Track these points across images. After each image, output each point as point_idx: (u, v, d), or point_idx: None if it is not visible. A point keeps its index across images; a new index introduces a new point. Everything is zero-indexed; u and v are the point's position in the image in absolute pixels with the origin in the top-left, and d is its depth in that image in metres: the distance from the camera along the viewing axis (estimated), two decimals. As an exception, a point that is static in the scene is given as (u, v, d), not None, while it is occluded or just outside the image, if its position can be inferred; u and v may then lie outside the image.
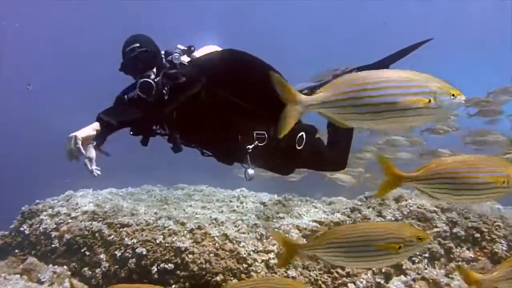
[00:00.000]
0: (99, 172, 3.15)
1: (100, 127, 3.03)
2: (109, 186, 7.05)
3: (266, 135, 3.61)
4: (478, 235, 4.87)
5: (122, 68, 3.42)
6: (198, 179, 8.26)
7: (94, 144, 3.39)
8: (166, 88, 3.28)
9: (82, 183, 6.57)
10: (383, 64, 4.16)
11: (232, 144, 3.56)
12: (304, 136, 3.80)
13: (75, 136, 2.88)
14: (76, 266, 4.94)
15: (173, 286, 4.63)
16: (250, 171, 3.63)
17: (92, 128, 3.00)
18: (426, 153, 7.30)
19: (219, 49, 3.73)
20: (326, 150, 4.11)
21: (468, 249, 4.83)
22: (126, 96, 3.37)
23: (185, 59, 3.49)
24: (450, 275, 4.53)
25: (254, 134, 3.58)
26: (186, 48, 3.54)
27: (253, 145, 3.57)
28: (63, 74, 25.60)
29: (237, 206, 6.42)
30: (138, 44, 3.37)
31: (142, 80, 3.27)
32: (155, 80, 3.29)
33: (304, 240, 5.10)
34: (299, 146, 3.79)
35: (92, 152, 3.27)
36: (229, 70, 3.48)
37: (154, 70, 3.37)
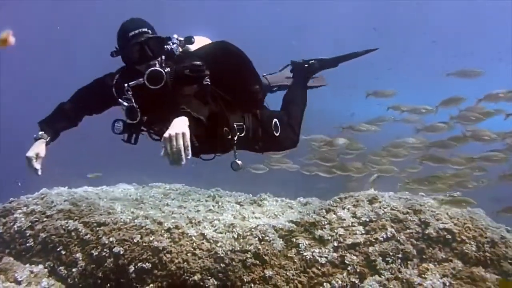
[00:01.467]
0: (40, 173, 3.13)
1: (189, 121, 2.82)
2: (84, 184, 7.00)
3: (243, 126, 3.67)
4: (449, 236, 5.00)
5: (124, 53, 3.29)
6: (171, 177, 8.24)
7: (48, 140, 3.37)
8: (207, 79, 3.23)
9: (56, 181, 6.52)
10: (337, 60, 4.81)
11: (219, 137, 3.58)
12: (278, 123, 3.92)
13: (184, 134, 2.66)
14: (51, 265, 4.89)
15: (151, 285, 4.64)
16: (239, 162, 3.68)
17: (186, 124, 2.77)
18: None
19: (209, 40, 3.76)
20: (291, 131, 4.26)
21: (439, 250, 4.96)
22: (126, 85, 3.25)
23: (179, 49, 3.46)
24: (423, 275, 4.65)
25: (235, 125, 3.63)
26: (183, 39, 3.49)
27: (236, 136, 3.62)
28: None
29: (213, 206, 6.45)
30: (146, 29, 3.26)
31: (152, 69, 3.18)
32: (165, 70, 3.22)
33: (281, 240, 5.17)
34: (276, 133, 3.91)
35: (43, 150, 3.24)
36: (223, 64, 3.49)
37: (159, 59, 3.27)
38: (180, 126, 2.72)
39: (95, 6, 21.55)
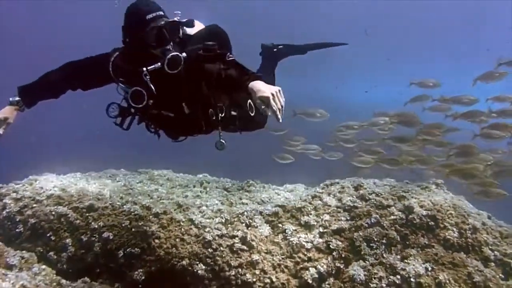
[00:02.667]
0: (1, 132, 3.15)
1: None
2: (72, 170, 7.01)
3: (223, 106, 3.74)
4: (432, 222, 5.11)
5: (138, 36, 3.25)
6: (158, 163, 8.28)
7: (24, 107, 3.38)
8: (230, 56, 3.29)
9: (45, 166, 6.53)
10: (307, 48, 5.17)
11: (205, 117, 3.68)
12: (252, 103, 4.03)
13: (281, 90, 2.81)
14: (41, 250, 4.92)
15: (140, 270, 4.70)
16: (222, 141, 3.76)
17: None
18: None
19: (202, 25, 3.81)
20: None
21: (422, 235, 5.07)
22: (145, 69, 3.26)
23: None
24: (406, 260, 4.75)
25: (217, 106, 3.72)
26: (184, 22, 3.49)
27: (220, 116, 3.70)
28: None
29: (200, 192, 6.52)
30: (162, 13, 3.28)
31: (173, 54, 3.21)
32: (183, 55, 3.26)
33: (268, 226, 5.26)
34: (252, 113, 4.00)
35: (13, 116, 3.28)
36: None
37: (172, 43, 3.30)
38: (269, 85, 2.86)
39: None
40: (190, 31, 3.65)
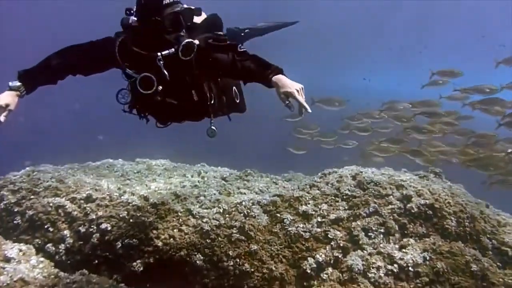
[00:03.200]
0: (2, 120, 3.06)
1: None
2: (70, 161, 6.99)
3: (212, 94, 3.75)
4: (430, 211, 5.11)
5: (153, 20, 3.20)
6: (155, 153, 8.27)
7: (24, 93, 3.24)
8: (242, 47, 3.39)
9: (42, 158, 6.51)
10: (265, 29, 5.48)
11: (199, 104, 3.68)
12: (236, 90, 4.06)
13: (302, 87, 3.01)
14: (39, 242, 4.91)
15: (138, 261, 4.70)
16: (213, 128, 3.79)
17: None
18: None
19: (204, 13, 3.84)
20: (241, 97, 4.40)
21: (420, 225, 5.07)
22: (160, 54, 3.26)
23: None
24: (404, 250, 4.76)
25: (208, 94, 3.71)
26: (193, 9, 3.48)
27: (211, 103, 3.73)
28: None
29: (198, 181, 6.50)
30: None
31: (189, 40, 3.23)
32: (197, 42, 3.29)
33: (266, 216, 5.24)
34: (237, 100, 4.10)
35: (14, 103, 3.15)
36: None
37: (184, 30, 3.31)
38: (293, 82, 3.06)
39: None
40: (196, 19, 3.64)
